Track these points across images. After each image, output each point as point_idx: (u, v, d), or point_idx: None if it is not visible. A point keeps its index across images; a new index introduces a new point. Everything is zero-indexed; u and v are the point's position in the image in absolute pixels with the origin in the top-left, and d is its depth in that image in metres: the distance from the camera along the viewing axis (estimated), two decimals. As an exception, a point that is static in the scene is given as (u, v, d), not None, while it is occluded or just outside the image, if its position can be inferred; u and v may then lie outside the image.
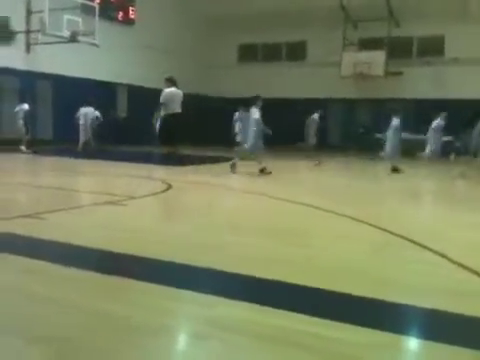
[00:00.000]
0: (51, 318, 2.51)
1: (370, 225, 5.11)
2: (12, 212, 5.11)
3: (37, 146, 14.80)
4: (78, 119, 14.90)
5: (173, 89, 11.26)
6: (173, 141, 11.18)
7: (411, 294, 3.12)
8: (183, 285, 3.05)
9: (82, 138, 14.81)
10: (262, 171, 10.17)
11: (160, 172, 10.22)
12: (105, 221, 5.04)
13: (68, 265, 3.37)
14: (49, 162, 12.86)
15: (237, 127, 15.41)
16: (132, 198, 6.34)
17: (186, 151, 15.11)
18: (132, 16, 20.45)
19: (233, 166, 10.30)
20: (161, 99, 11.13)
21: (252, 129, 10.70)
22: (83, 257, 3.70)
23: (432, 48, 21.92)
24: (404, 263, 3.84)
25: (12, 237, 4.11)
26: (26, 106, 14.57)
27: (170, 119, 11.03)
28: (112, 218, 5.23)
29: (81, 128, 14.81)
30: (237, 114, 15.63)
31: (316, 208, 6.05)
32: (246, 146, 10.76)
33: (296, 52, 24.58)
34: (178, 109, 11.19)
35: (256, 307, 2.75)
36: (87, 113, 14.87)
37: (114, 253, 3.76)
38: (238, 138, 14.44)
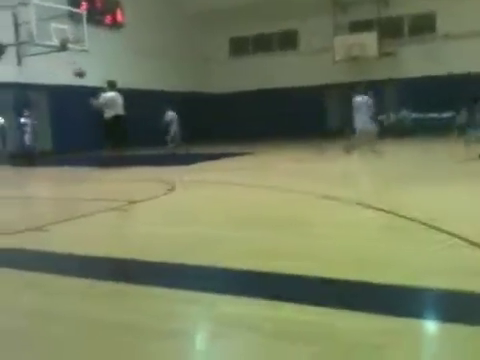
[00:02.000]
0: (54, 332, 2.46)
1: (374, 208, 5.06)
2: (14, 226, 5.06)
3: (39, 158, 14.74)
4: (166, 122, 15.74)
5: (113, 93, 11.58)
6: (119, 143, 11.39)
7: (421, 276, 3.06)
8: (189, 286, 3.00)
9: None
10: (374, 151, 10.80)
11: (162, 173, 10.17)
12: (108, 228, 4.99)
13: (68, 275, 3.33)
14: (49, 173, 12.82)
15: None
16: (134, 202, 6.29)
17: (185, 150, 15.12)
18: (120, 19, 20.35)
19: (350, 147, 11.65)
20: (100, 102, 11.47)
21: (366, 114, 11.84)
22: (85, 266, 3.66)
23: (424, 26, 21.79)
24: (412, 245, 3.78)
25: (15, 251, 4.07)
26: (1, 120, 14.43)
27: (113, 121, 11.33)
28: (114, 225, 5.19)
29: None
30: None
31: (325, 197, 6.00)
32: (363, 130, 11.63)
33: (288, 41, 24.47)
34: (120, 111, 11.48)
35: (265, 302, 2.69)
36: (172, 116, 15.76)
37: (117, 259, 3.71)
38: None
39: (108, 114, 11.36)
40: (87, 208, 6.15)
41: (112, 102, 11.37)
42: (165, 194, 6.98)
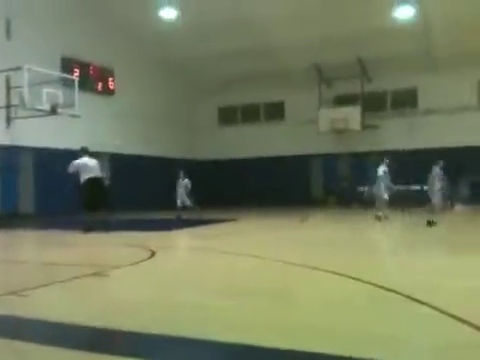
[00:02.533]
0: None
1: (355, 279, 5.05)
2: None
3: (20, 220, 14.60)
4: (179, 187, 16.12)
5: (85, 158, 11.89)
6: (96, 206, 11.43)
7: (406, 350, 3.03)
8: (161, 357, 2.93)
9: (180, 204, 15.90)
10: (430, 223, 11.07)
11: (145, 238, 10.10)
12: (87, 295, 4.90)
13: (48, 344, 3.24)
14: (30, 236, 12.66)
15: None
16: (116, 268, 6.22)
17: (164, 215, 15.10)
18: (111, 87, 20.85)
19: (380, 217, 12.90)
20: (70, 169, 11.75)
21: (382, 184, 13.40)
22: (63, 335, 3.56)
23: (406, 100, 22.62)
24: (396, 318, 3.76)
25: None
26: None
27: (87, 185, 11.49)
28: (94, 291, 5.10)
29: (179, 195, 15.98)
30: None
31: (309, 268, 5.98)
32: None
33: (274, 112, 25.16)
34: (95, 174, 11.69)
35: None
36: (186, 183, 16.13)
37: (95, 328, 3.63)
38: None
39: (82, 178, 11.60)
40: (66, 273, 6.05)
41: (85, 167, 11.65)
42: (145, 260, 6.91)
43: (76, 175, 11.80)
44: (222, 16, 19.00)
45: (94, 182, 11.54)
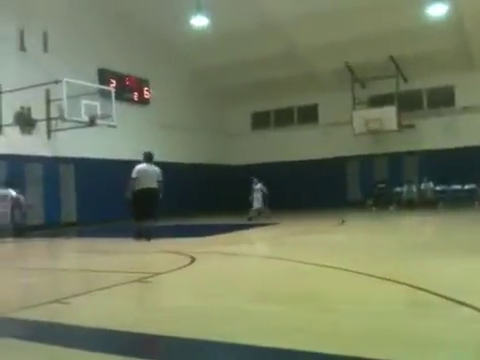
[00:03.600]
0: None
1: (394, 282, 5.01)
2: (37, 298, 5.13)
3: (62, 229, 15.02)
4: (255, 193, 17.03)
5: (144, 165, 11.30)
6: (144, 216, 10.97)
7: (444, 352, 3.01)
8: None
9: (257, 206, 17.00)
10: None
11: (182, 245, 10.24)
12: (130, 301, 5.02)
13: (94, 350, 3.35)
14: (73, 244, 13.00)
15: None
16: (157, 274, 6.34)
17: (204, 221, 15.28)
18: (147, 96, 21.25)
19: None
20: (133, 174, 11.16)
21: None
22: (108, 341, 3.67)
23: (442, 99, 22.18)
24: (434, 320, 3.73)
25: (37, 325, 4.10)
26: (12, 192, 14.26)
27: (139, 195, 10.98)
28: (137, 297, 5.21)
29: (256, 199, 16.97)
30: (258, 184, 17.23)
31: (343, 270, 5.97)
32: None
33: (308, 115, 25.06)
34: (149, 184, 11.09)
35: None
36: (260, 187, 17.13)
37: (140, 334, 3.71)
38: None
39: (138, 186, 11.05)
40: (108, 280, 6.20)
41: (142, 173, 11.10)
42: (186, 266, 7.01)
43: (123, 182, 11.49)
44: (251, 21, 19.12)
45: (147, 194, 11.01)
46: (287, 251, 8.64)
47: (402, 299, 4.65)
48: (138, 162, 11.56)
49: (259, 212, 16.75)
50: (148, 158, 11.47)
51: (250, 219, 16.19)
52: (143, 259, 8.69)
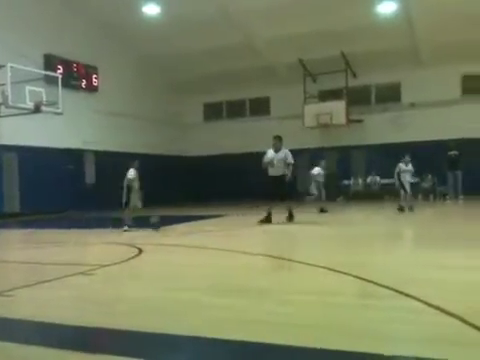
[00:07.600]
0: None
1: (345, 274, 5.08)
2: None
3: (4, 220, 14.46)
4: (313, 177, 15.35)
5: (270, 151, 12.34)
6: (274, 199, 11.97)
7: (392, 344, 3.06)
8: (160, 357, 2.92)
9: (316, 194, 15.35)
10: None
11: (131, 237, 10.05)
12: (74, 293, 4.86)
13: (33, 344, 3.21)
14: (16, 235, 12.53)
15: None
16: (102, 266, 6.18)
17: (156, 212, 15.02)
18: (95, 83, 20.67)
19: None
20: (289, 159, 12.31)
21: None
22: (50, 334, 3.53)
23: (390, 94, 22.77)
24: (383, 312, 3.79)
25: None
26: None
27: (268, 180, 11.98)
28: (81, 289, 5.06)
29: (314, 186, 15.33)
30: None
31: (292, 261, 6.00)
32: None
33: (260, 107, 25.15)
34: (272, 172, 12.04)
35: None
36: (318, 172, 15.34)
37: (83, 327, 3.59)
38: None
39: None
40: (53, 272, 5.99)
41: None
42: (133, 257, 6.88)
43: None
44: (205, 12, 18.92)
45: (273, 181, 11.97)
46: (234, 243, 8.62)
47: (352, 290, 4.71)
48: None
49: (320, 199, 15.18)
50: (275, 143, 12.58)
51: (322, 209, 14.72)
52: (89, 251, 8.47)
